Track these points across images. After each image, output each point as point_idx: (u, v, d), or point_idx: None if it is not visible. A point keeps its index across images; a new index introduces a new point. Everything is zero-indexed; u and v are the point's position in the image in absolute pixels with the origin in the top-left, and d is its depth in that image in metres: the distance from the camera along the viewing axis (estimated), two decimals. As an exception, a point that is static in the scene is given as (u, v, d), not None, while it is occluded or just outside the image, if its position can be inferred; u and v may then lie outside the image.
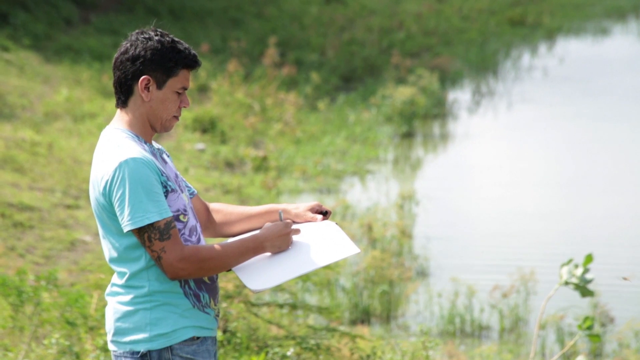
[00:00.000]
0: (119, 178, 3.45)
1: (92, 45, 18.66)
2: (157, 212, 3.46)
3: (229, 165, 14.59)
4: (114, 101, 3.70)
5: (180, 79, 3.58)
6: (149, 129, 3.62)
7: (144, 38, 3.55)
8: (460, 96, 20.23)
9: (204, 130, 15.71)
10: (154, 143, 3.66)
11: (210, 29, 22.11)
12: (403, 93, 17.79)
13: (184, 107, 3.62)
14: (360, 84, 20.17)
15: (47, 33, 18.93)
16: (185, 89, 3.61)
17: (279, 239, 3.63)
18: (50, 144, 12.96)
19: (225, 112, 16.64)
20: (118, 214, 3.47)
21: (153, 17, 21.26)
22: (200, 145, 14.98)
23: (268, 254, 3.64)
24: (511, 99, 20.02)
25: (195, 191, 3.83)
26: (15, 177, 11.72)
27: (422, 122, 18.04)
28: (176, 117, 3.63)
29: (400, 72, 20.28)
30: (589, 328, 5.51)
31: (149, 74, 3.55)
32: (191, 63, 3.58)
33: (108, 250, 3.56)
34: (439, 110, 18.87)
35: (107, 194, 3.48)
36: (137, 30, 3.60)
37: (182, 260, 3.48)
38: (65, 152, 13.01)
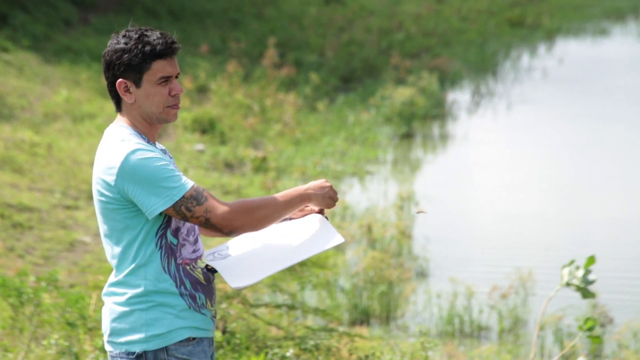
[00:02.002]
0: (131, 167, 3.45)
1: (92, 46, 18.65)
2: (182, 185, 3.47)
3: (229, 166, 14.58)
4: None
5: (156, 70, 3.53)
6: (149, 127, 3.61)
7: (113, 43, 3.54)
8: (459, 97, 20.22)
9: (204, 131, 15.71)
10: (157, 145, 3.65)
11: (210, 30, 22.10)
12: (402, 94, 17.79)
13: (177, 93, 3.57)
14: (359, 85, 20.16)
15: (46, 34, 18.92)
16: (167, 77, 3.55)
17: (323, 199, 3.67)
18: (50, 145, 12.96)
19: (225, 112, 16.63)
20: (141, 202, 3.45)
21: (152, 18, 21.26)
22: (200, 146, 14.98)
23: (249, 247, 3.64)
24: (510, 99, 20.02)
25: (195, 191, 3.83)
26: (15, 177, 11.72)
27: (421, 123, 18.04)
28: (172, 107, 3.58)
29: (400, 72, 20.28)
30: (590, 329, 5.50)
31: (122, 77, 3.53)
32: (162, 52, 3.52)
33: (110, 246, 3.56)
34: (438, 111, 18.86)
35: (120, 184, 3.46)
36: (112, 34, 3.58)
37: (231, 212, 3.49)
38: (65, 152, 13.02)
